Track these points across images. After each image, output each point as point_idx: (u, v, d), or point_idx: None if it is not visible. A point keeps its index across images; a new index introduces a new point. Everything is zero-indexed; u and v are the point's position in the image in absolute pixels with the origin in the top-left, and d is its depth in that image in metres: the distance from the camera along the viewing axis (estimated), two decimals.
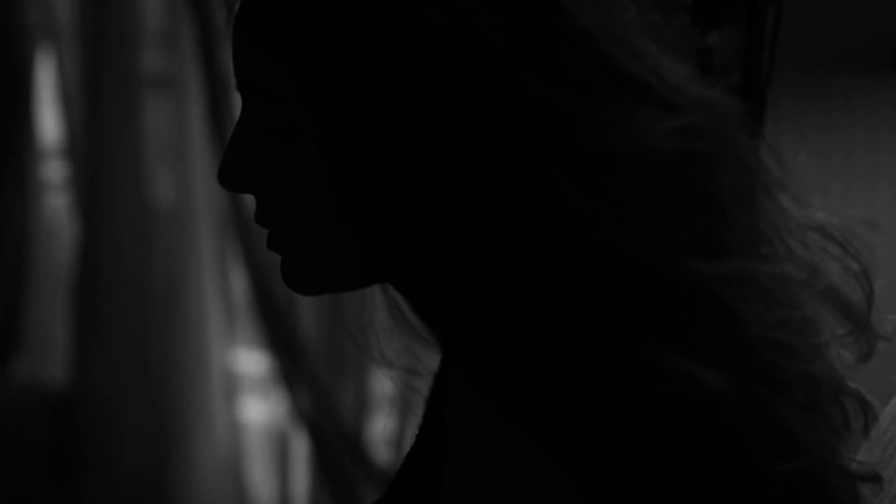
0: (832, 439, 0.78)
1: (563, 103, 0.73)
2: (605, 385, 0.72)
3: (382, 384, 2.80)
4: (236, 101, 2.60)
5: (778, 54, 1.18)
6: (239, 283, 2.89)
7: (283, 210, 0.81)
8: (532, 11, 0.74)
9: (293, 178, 0.79)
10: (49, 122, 3.10)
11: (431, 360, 0.90)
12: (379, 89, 0.74)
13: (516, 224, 0.73)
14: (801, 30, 1.32)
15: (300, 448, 2.91)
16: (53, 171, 3.16)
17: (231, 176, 0.82)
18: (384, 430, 2.83)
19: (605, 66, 0.74)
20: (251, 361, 3.02)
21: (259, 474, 3.02)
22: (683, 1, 1.23)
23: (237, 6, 0.82)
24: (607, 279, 0.72)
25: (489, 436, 0.79)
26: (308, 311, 2.81)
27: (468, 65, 0.73)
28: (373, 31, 0.74)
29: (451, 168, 0.73)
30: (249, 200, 2.31)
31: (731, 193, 0.75)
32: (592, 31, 0.74)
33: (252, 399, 3.03)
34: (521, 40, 0.73)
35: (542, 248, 0.72)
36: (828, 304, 0.80)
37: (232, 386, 3.00)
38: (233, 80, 2.30)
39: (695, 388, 0.72)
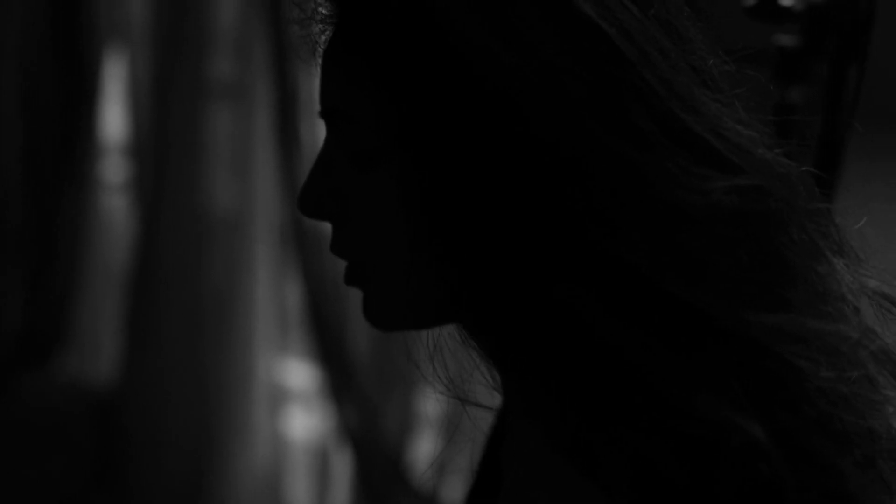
0: (886, 498, 0.82)
1: (629, 155, 0.78)
2: (659, 430, 0.76)
3: (429, 405, 2.87)
4: (303, 115, 2.76)
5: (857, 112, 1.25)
6: (293, 294, 2.96)
7: (359, 238, 0.86)
8: (602, 64, 0.79)
9: (372, 206, 0.84)
10: (114, 121, 3.17)
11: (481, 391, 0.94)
12: (453, 121, 0.79)
13: (585, 264, 0.78)
14: (877, 87, 1.40)
15: (342, 465, 2.98)
16: (114, 171, 3.24)
17: (312, 203, 0.87)
18: (428, 453, 2.89)
19: (665, 122, 0.79)
20: (299, 374, 3.08)
21: (299, 489, 3.08)
22: (767, 55, 1.31)
23: (323, 37, 0.87)
24: (669, 326, 0.77)
25: (545, 472, 0.83)
26: (360, 326, 2.87)
27: (543, 109, 0.78)
28: (454, 67, 0.79)
29: (523, 205, 0.78)
30: None
31: (793, 252, 0.80)
32: (656, 87, 0.79)
33: (297, 412, 3.09)
34: (592, 91, 0.78)
35: (612, 293, 0.77)
36: (881, 365, 0.84)
37: (278, 398, 3.06)
38: (301, 94, 2.44)
39: (739, 439, 0.76)
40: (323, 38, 0.88)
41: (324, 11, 0.87)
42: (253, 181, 2.99)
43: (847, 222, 0.87)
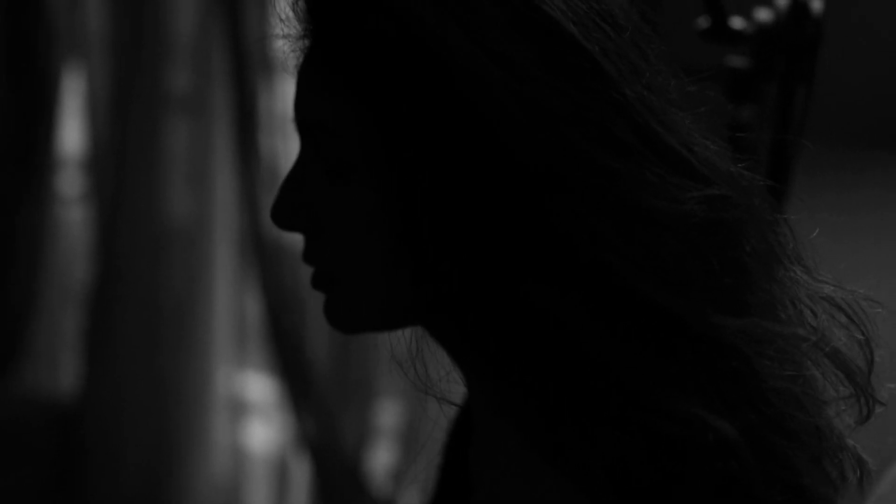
0: (831, 491, 0.88)
1: (607, 164, 0.83)
2: (634, 427, 0.81)
3: (387, 415, 2.92)
4: (261, 126, 2.81)
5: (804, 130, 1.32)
6: (251, 306, 2.99)
7: (332, 249, 0.89)
8: (584, 79, 0.84)
9: (345, 217, 0.87)
10: (72, 133, 3.19)
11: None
12: (435, 133, 0.82)
13: (564, 269, 0.82)
14: (821, 106, 1.47)
15: (300, 474, 3.01)
16: (73, 183, 3.25)
17: (285, 215, 0.90)
18: (385, 462, 2.93)
19: (644, 134, 0.84)
20: (258, 385, 3.12)
21: (257, 500, 3.11)
22: (720, 73, 1.38)
23: (302, 50, 0.90)
24: (640, 327, 0.82)
25: (521, 473, 0.86)
26: (319, 336, 2.91)
27: (525, 120, 0.82)
28: (435, 79, 0.82)
29: (504, 214, 0.82)
30: (270, 225, 2.44)
31: (754, 260, 0.86)
32: (634, 102, 0.84)
33: (256, 424, 3.12)
34: (574, 104, 0.83)
35: (585, 294, 0.82)
36: (832, 366, 0.89)
37: (236, 409, 3.09)
38: (259, 105, 2.49)
39: (708, 436, 0.80)
40: (300, 51, 0.90)
41: (302, 25, 0.89)
42: (211, 193, 3.02)
43: (799, 232, 0.92)
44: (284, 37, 0.90)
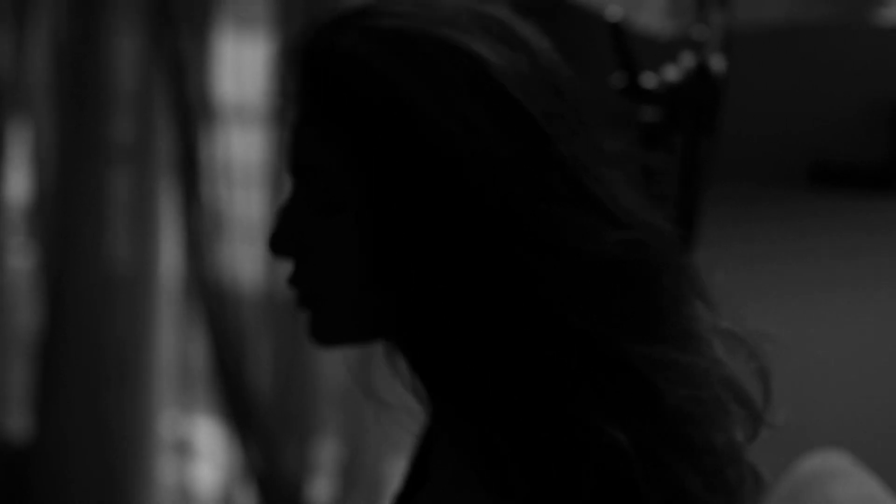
0: (719, 497, 0.98)
1: (540, 208, 0.95)
2: (544, 430, 0.93)
3: (326, 449, 2.99)
4: (203, 174, 2.97)
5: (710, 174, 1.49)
6: (196, 348, 3.06)
7: (316, 273, 1.03)
8: (526, 137, 0.96)
9: (330, 247, 1.01)
10: (17, 182, 3.24)
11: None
12: (408, 176, 0.95)
13: (509, 299, 0.94)
14: (727, 146, 1.63)
15: None
16: (18, 232, 3.29)
17: (279, 243, 1.04)
18: (326, 495, 3.01)
19: (574, 186, 0.98)
20: (203, 427, 3.18)
21: None
22: (634, 122, 1.55)
23: (299, 105, 1.03)
24: (566, 350, 0.95)
25: (455, 476, 0.98)
26: (261, 376, 2.99)
27: (476, 168, 0.94)
28: (408, 132, 0.95)
29: (459, 246, 0.95)
30: (212, 269, 2.62)
31: (664, 296, 0.99)
32: (568, 158, 0.98)
33: (201, 465, 3.17)
34: (517, 157, 0.97)
35: (526, 321, 0.95)
36: (727, 391, 0.99)
37: (182, 451, 3.15)
38: (201, 154, 2.66)
39: (604, 443, 0.92)
40: (297, 105, 1.03)
41: (300, 84, 1.03)
42: (155, 239, 3.10)
43: (706, 272, 1.05)
44: (284, 93, 1.04)
